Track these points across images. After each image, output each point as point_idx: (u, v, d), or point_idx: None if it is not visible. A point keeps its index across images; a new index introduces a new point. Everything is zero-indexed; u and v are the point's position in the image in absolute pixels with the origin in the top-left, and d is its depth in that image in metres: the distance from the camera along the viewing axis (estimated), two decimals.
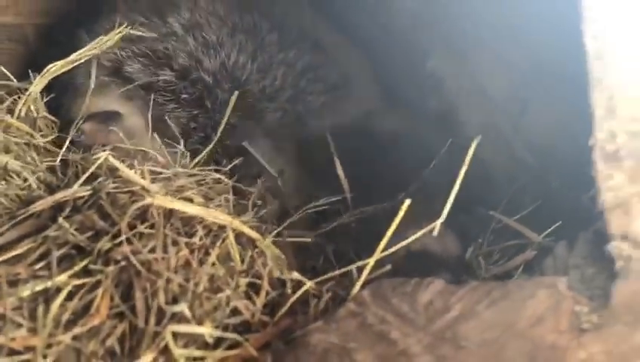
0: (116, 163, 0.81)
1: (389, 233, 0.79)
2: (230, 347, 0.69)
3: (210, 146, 1.02)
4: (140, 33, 1.10)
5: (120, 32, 1.07)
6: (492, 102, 1.32)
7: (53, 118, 1.05)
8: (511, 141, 1.29)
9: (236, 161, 1.03)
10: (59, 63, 1.02)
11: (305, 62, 1.20)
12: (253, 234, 0.80)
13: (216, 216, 0.79)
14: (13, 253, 0.71)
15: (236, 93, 1.05)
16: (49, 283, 0.67)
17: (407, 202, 0.78)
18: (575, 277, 0.75)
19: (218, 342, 0.70)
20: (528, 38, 1.16)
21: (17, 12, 1.35)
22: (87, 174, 0.82)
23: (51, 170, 0.96)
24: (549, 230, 1.00)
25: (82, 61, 1.04)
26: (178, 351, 0.63)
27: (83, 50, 1.05)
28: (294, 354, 0.66)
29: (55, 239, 0.73)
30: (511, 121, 1.29)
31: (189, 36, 1.12)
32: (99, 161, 0.82)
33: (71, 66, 1.04)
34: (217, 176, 0.93)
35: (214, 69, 1.11)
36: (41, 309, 0.65)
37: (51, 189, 0.92)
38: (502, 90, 1.30)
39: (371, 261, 0.77)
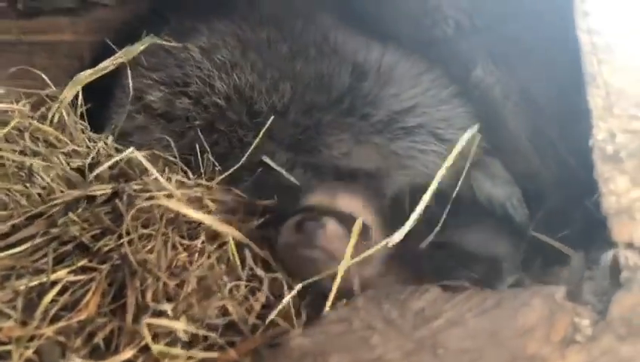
0: (144, 160, 0.83)
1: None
2: (219, 349, 0.69)
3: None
4: (166, 43, 1.14)
5: (145, 43, 1.11)
6: (540, 110, 1.27)
7: (84, 124, 1.09)
8: (559, 149, 1.24)
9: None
10: (89, 71, 1.07)
11: (311, 70, 1.17)
12: (246, 241, 0.80)
13: (217, 224, 0.80)
14: (17, 249, 0.74)
15: (272, 118, 1.05)
16: (44, 278, 0.69)
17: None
18: (589, 289, 0.71)
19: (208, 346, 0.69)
20: (575, 42, 1.12)
21: (75, 30, 1.42)
22: (103, 166, 0.87)
23: (80, 171, 0.99)
24: None
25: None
26: (156, 348, 0.64)
27: (111, 58, 1.09)
28: (274, 358, 0.65)
29: (61, 235, 0.75)
30: (560, 128, 1.24)
31: (205, 59, 1.14)
32: (123, 155, 0.85)
33: (100, 74, 1.09)
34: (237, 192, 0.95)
35: (226, 92, 1.12)
36: (20, 302, 0.66)
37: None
38: (550, 96, 1.25)
39: (340, 269, 0.75)
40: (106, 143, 1.04)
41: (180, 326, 0.65)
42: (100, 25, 1.44)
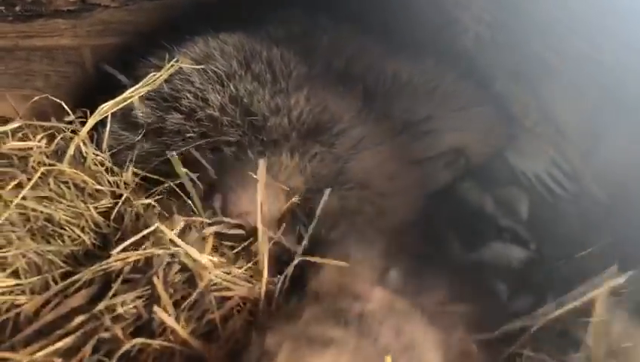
0: (172, 236, 0.75)
1: None
2: None
3: None
4: (193, 67, 1.06)
5: (171, 67, 1.03)
6: (561, 134, 1.24)
7: (103, 156, 1.02)
8: (581, 175, 1.21)
9: None
10: (110, 103, 0.98)
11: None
12: None
13: None
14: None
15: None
16: None
17: None
18: None
19: None
20: (602, 67, 1.09)
21: (75, 34, 1.33)
22: (127, 242, 0.78)
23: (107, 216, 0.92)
24: None
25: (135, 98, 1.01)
26: None
27: (135, 87, 1.02)
28: None
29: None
30: (581, 154, 1.21)
31: (196, 72, 1.07)
32: (146, 231, 0.77)
33: (122, 105, 1.01)
34: None
35: (221, 102, 1.04)
36: None
37: (105, 242, 0.87)
38: (572, 121, 1.22)
39: None
40: (126, 184, 0.95)
41: None
42: (102, 27, 1.35)
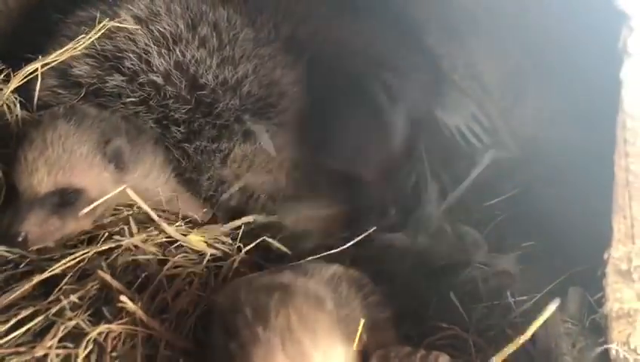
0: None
1: None
2: None
3: None
4: (126, 26, 1.02)
5: (101, 30, 0.99)
6: (484, 90, 1.31)
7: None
8: (498, 130, 1.30)
9: None
10: (36, 64, 0.96)
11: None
12: None
13: None
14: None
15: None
16: None
17: None
18: (566, 345, 0.81)
19: None
20: (527, 30, 1.15)
21: None
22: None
23: None
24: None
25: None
26: None
27: (62, 50, 0.98)
28: None
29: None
30: (501, 110, 1.30)
31: (142, 31, 1.03)
32: None
33: (50, 66, 0.98)
34: None
35: (165, 68, 1.03)
36: None
37: None
38: (495, 78, 1.29)
39: None
40: None
41: None
42: None
